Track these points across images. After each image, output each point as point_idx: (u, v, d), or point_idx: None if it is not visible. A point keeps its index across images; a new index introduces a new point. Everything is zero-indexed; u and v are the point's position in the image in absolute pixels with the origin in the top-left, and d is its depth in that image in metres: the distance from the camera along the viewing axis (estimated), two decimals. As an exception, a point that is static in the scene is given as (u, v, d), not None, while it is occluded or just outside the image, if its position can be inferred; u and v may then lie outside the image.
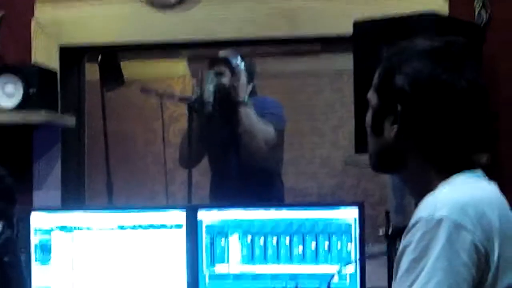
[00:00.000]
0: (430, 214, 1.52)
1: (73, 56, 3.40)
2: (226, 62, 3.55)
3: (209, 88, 3.44)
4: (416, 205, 1.65)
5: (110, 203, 3.39)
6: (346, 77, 4.68)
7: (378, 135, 1.69)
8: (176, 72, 4.87)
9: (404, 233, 1.57)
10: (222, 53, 3.61)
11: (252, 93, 3.63)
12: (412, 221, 1.55)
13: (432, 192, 1.60)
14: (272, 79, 4.50)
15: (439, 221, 1.50)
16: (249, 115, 3.51)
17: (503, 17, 3.02)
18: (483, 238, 1.51)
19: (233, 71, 3.51)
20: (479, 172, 1.66)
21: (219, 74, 3.53)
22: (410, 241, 1.53)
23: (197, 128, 3.54)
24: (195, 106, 3.49)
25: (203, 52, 4.17)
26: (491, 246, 1.52)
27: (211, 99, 3.45)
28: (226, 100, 3.50)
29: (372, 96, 1.70)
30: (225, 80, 3.50)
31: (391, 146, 1.68)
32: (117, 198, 3.49)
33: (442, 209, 1.52)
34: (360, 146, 2.74)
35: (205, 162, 3.74)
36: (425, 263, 1.49)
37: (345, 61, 3.58)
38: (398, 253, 1.57)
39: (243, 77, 3.54)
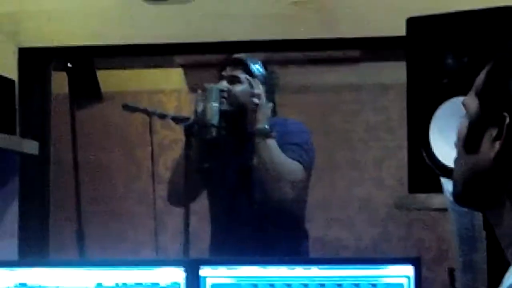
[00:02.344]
0: None
1: (36, 61, 3.44)
2: (243, 64, 3.56)
3: (214, 106, 3.46)
4: (505, 259, 1.66)
5: (82, 256, 3.42)
6: (394, 93, 4.73)
7: (471, 152, 1.68)
8: (169, 84, 4.91)
9: None
10: (237, 56, 3.63)
11: (271, 113, 3.64)
12: (508, 285, 1.55)
13: None
14: (296, 95, 4.54)
15: None
16: (270, 147, 3.50)
17: None
18: None
19: (252, 77, 3.52)
20: None
21: (233, 81, 3.53)
22: None
23: (195, 158, 3.56)
24: (194, 130, 3.51)
25: (205, 59, 4.20)
26: None
27: (216, 121, 3.46)
28: (238, 123, 3.52)
29: (471, 101, 1.69)
30: (241, 88, 3.50)
31: (487, 169, 1.67)
32: (90, 249, 3.51)
33: None
34: (415, 184, 2.76)
35: (204, 205, 3.76)
36: None
37: (393, 72, 3.60)
38: None
39: (262, 94, 3.54)
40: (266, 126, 3.47)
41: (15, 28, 3.36)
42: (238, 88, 3.51)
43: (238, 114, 3.50)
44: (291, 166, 3.52)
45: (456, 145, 1.74)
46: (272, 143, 3.49)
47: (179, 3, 3.29)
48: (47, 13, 3.35)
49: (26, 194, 3.37)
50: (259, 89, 3.49)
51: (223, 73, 3.58)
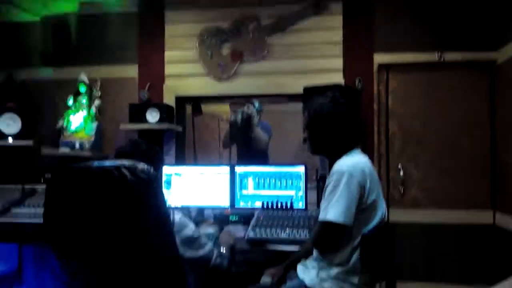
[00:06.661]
0: (340, 169, 1.58)
1: (181, 101, 3.40)
2: (253, 103, 3.59)
3: (239, 117, 3.52)
4: (330, 165, 1.70)
5: (196, 162, 3.44)
6: (301, 114, 4.58)
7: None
8: (224, 110, 4.86)
9: (328, 178, 1.60)
10: (250, 99, 3.67)
11: (259, 119, 3.70)
12: (331, 172, 1.60)
13: (339, 159, 1.65)
14: (268, 114, 4.48)
15: (343, 173, 1.56)
16: (258, 130, 3.55)
17: (369, 88, 3.11)
18: (362, 180, 1.57)
19: (254, 107, 3.57)
20: (359, 150, 1.70)
21: (248, 107, 3.57)
22: (330, 181, 1.58)
23: (232, 134, 3.60)
24: (232, 124, 3.57)
25: (237, 101, 4.17)
26: (366, 183, 1.57)
27: (240, 121, 3.53)
28: (248, 122, 3.53)
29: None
30: (250, 110, 3.55)
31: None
32: (199, 160, 3.52)
33: (344, 167, 1.58)
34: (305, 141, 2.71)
35: (234, 149, 3.69)
36: (337, 190, 1.54)
37: (300, 106, 3.63)
38: (325, 187, 1.60)
39: (255, 113, 3.59)
40: (256, 124, 3.45)
41: (175, 89, 3.31)
42: (249, 111, 3.51)
43: (248, 120, 3.50)
44: (264, 136, 3.50)
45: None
46: (258, 128, 3.48)
47: (228, 82, 3.21)
48: (185, 85, 3.28)
49: (177, 144, 3.32)
50: (255, 112, 3.49)
51: (245, 106, 3.60)
